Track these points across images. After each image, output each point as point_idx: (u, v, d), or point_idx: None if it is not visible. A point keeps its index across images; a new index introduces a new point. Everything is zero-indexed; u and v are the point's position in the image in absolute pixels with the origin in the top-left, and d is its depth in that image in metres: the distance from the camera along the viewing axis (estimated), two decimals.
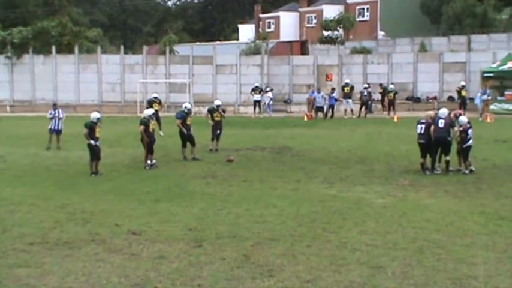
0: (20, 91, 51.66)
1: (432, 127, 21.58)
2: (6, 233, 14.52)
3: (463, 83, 45.41)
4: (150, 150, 23.65)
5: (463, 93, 44.34)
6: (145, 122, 23.52)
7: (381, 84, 46.87)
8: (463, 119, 22.01)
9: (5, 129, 37.34)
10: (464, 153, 21.84)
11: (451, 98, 46.98)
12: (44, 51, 52.12)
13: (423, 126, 21.86)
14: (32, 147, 28.83)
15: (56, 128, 29.32)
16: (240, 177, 21.66)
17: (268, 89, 47.71)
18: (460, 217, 15.69)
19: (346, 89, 44.85)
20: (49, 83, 51.54)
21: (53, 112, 29.67)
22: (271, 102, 47.24)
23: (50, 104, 49.23)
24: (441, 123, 21.55)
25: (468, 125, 21.89)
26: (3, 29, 54.98)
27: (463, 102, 43.54)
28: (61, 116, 29.69)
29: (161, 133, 31.51)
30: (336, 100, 44.32)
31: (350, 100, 44.48)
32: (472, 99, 44.75)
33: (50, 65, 51.68)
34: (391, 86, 45.10)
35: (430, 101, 47.81)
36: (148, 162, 23.63)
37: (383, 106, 45.66)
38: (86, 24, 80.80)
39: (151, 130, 23.69)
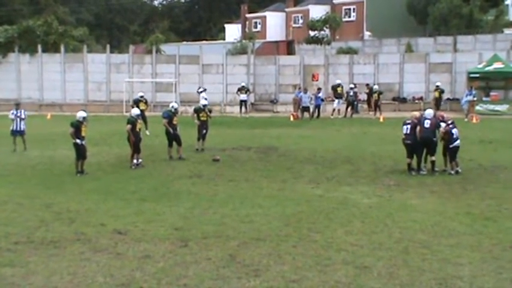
0: (6, 90, 51.32)
1: (418, 127, 21.65)
2: None
3: (438, 83, 45.58)
4: (136, 150, 23.61)
5: (436, 94, 44.50)
6: (132, 121, 23.49)
7: (367, 85, 46.94)
8: (441, 124, 22.05)
9: None
10: (451, 153, 21.90)
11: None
12: (29, 50, 51.87)
13: (409, 126, 21.91)
14: (17, 147, 28.58)
15: (17, 129, 28.11)
16: (226, 177, 21.64)
17: (201, 89, 47.37)
18: (446, 217, 15.75)
19: (339, 89, 44.99)
20: (35, 82, 51.34)
21: (15, 112, 28.41)
22: (206, 102, 46.87)
23: (35, 103, 49.64)
24: (427, 123, 21.61)
25: (451, 125, 21.96)
26: None
27: (438, 103, 43.59)
28: (23, 116, 28.38)
29: (147, 132, 31.47)
30: (322, 100, 44.42)
31: (341, 100, 44.65)
32: (456, 100, 45.04)
33: (36, 64, 51.48)
34: (376, 87, 45.16)
35: (416, 101, 47.93)
36: (134, 161, 23.59)
37: (369, 106, 45.74)
38: (72, 23, 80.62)
39: (138, 129, 23.64)
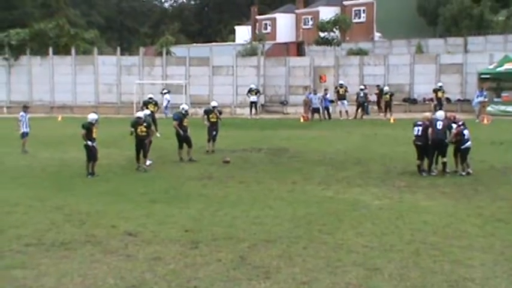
0: (17, 92, 51.47)
1: (430, 129, 21.59)
2: (2, 234, 14.51)
3: (440, 84, 45.45)
4: (143, 153, 23.65)
5: (439, 94, 44.33)
6: (132, 124, 23.69)
7: (378, 86, 46.80)
8: (453, 125, 22.02)
9: (1, 131, 37.18)
10: (462, 154, 21.82)
11: (447, 100, 46.85)
12: (41, 52, 52.03)
13: (420, 128, 21.86)
14: (28, 149, 28.66)
15: (27, 130, 28.49)
16: (236, 178, 21.64)
17: (165, 91, 47.27)
18: (457, 219, 15.69)
19: (341, 90, 44.85)
20: (46, 84, 51.45)
21: (24, 115, 28.72)
22: (169, 104, 46.88)
23: (46, 105, 49.81)
24: (439, 125, 21.56)
25: (463, 127, 21.90)
26: (0, 30, 54.89)
27: (439, 104, 43.34)
28: (26, 120, 28.61)
29: (157, 134, 31.47)
30: (331, 102, 44.35)
31: (345, 101, 44.50)
32: (467, 101, 44.87)
33: (47, 67, 51.62)
34: (386, 88, 45.02)
35: (427, 102, 47.75)
36: (148, 162, 23.73)
37: (379, 108, 45.60)
38: (83, 25, 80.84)
39: (140, 132, 23.49)
